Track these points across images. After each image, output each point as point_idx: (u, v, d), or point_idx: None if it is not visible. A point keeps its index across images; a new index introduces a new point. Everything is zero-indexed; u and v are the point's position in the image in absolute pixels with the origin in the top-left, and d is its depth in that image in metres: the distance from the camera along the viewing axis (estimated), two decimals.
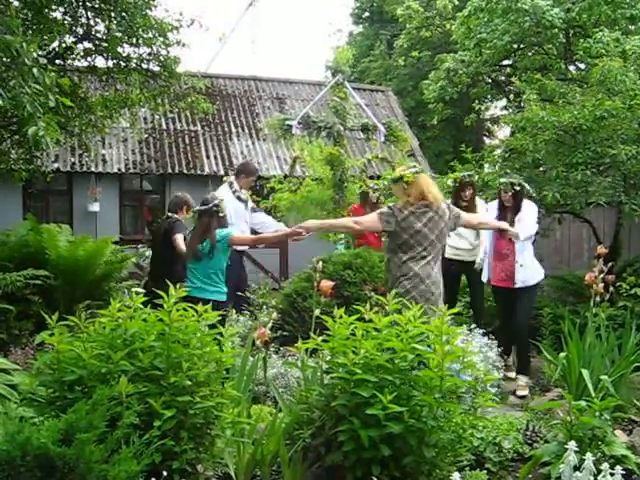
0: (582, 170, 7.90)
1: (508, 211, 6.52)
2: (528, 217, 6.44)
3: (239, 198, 7.57)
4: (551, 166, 8.49)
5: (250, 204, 7.73)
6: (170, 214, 7.11)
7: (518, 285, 6.44)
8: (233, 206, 7.42)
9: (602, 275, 5.83)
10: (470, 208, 7.05)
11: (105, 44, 9.04)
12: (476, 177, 6.63)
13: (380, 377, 3.60)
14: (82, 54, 9.35)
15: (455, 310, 4.03)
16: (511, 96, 14.14)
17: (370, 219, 5.38)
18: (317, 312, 4.61)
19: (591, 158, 8.10)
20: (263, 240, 6.80)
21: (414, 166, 5.41)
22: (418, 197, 5.19)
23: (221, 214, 6.04)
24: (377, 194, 8.54)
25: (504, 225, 5.99)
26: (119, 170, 15.25)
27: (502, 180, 6.66)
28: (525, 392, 6.25)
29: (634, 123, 7.98)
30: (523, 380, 6.37)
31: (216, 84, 17.77)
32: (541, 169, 8.92)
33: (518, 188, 6.47)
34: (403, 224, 5.12)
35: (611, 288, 6.05)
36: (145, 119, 15.71)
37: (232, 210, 7.48)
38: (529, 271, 6.49)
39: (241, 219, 7.48)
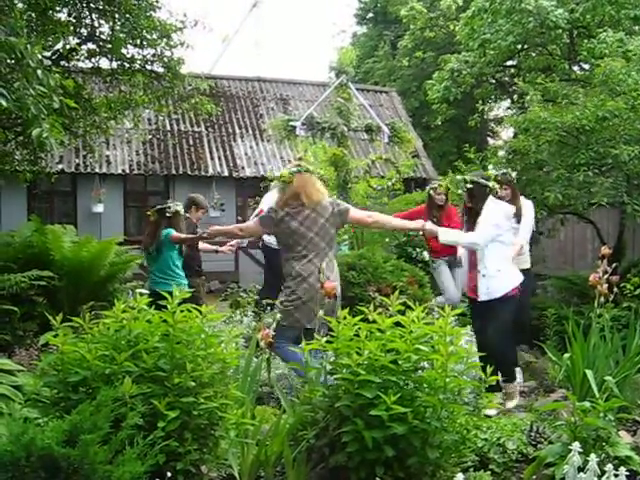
0: (585, 171, 7.90)
1: (472, 213, 5.86)
2: (482, 220, 5.75)
3: None
4: (554, 167, 8.48)
5: None
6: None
7: (482, 298, 5.74)
8: None
9: (606, 276, 5.81)
10: None
11: (109, 45, 9.06)
12: (513, 174, 6.31)
13: (384, 378, 3.60)
14: (86, 55, 9.37)
15: (459, 311, 4.03)
16: (515, 97, 14.13)
17: (252, 224, 5.68)
18: (321, 313, 4.62)
19: (594, 159, 8.10)
20: (200, 237, 6.93)
21: (298, 165, 5.49)
22: (293, 196, 5.26)
23: (168, 214, 6.62)
24: (442, 196, 7.96)
25: (413, 225, 5.79)
26: (123, 171, 15.28)
27: (457, 177, 6.34)
28: (514, 402, 5.82)
29: (637, 123, 7.97)
30: (510, 388, 5.84)
31: (220, 85, 17.78)
32: (544, 170, 8.91)
33: (470, 185, 5.78)
34: (281, 225, 5.23)
35: (615, 289, 6.03)
36: (149, 120, 15.74)
37: None
38: (494, 281, 5.69)
39: None
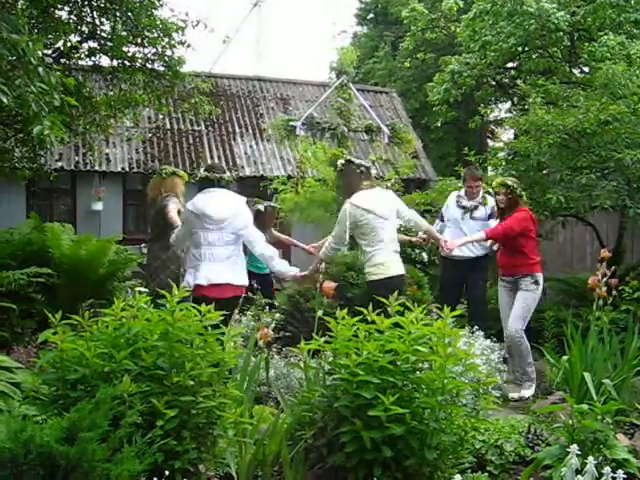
0: (587, 174, 7.90)
1: None
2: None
3: (458, 204, 7.60)
4: (555, 169, 8.48)
5: (484, 210, 7.53)
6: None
7: None
8: (452, 212, 7.63)
9: (605, 279, 5.82)
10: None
11: (110, 44, 9.05)
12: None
13: (382, 379, 3.60)
14: (87, 53, 9.36)
15: (458, 312, 4.04)
16: (515, 99, 14.12)
17: None
18: (320, 313, 4.62)
19: (595, 162, 8.10)
20: None
21: (162, 169, 7.00)
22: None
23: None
24: (501, 197, 7.00)
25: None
26: (123, 169, 15.26)
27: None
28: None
29: (638, 127, 7.98)
30: None
31: (220, 84, 17.79)
32: (545, 172, 8.91)
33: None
34: None
35: (614, 292, 6.04)
36: (149, 119, 15.74)
37: (451, 216, 7.63)
38: None
39: (456, 225, 7.56)
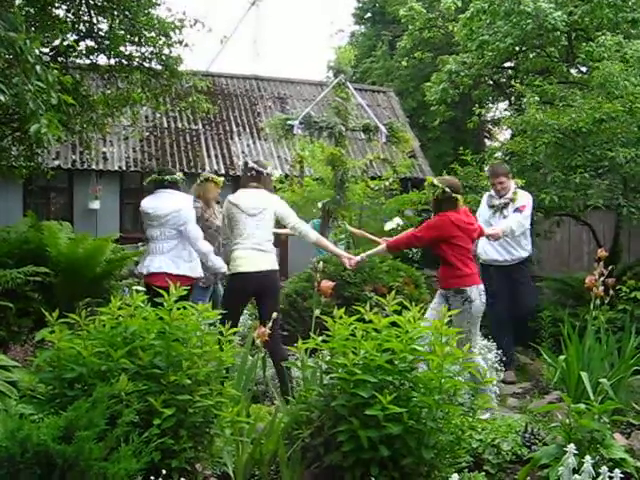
0: (581, 173, 7.92)
1: None
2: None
3: (488, 204, 7.42)
4: (550, 169, 8.50)
5: (509, 209, 7.23)
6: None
7: None
8: (483, 214, 7.41)
9: (602, 278, 5.82)
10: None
11: (107, 42, 9.03)
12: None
13: (380, 378, 3.60)
14: (84, 52, 9.34)
15: (455, 312, 4.04)
16: (512, 98, 14.13)
17: None
18: (317, 312, 4.63)
19: (590, 161, 8.12)
20: None
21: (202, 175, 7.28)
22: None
23: None
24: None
25: None
26: (120, 168, 15.24)
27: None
28: None
29: (634, 126, 7.99)
30: None
31: (217, 83, 17.77)
32: (541, 172, 8.92)
33: None
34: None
35: (611, 291, 6.05)
36: (146, 117, 15.72)
37: (482, 218, 7.29)
38: None
39: (488, 226, 7.14)
